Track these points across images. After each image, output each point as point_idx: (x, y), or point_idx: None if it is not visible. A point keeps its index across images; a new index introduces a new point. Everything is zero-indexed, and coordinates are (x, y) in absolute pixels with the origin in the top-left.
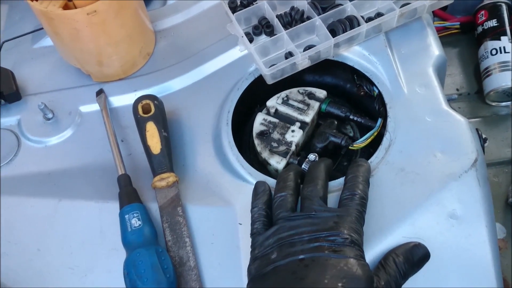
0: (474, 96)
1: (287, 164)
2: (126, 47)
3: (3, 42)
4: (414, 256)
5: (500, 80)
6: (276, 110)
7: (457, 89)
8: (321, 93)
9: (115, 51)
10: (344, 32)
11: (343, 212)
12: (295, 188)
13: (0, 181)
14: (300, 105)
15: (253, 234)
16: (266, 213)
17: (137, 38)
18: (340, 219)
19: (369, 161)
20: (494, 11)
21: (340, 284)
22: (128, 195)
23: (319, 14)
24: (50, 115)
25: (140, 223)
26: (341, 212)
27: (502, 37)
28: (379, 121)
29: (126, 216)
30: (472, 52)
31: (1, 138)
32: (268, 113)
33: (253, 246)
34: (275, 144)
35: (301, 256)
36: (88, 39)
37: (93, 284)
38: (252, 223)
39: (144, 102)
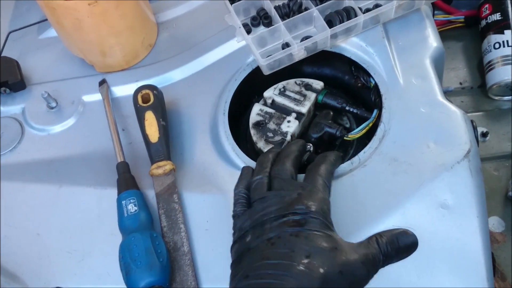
0: (477, 90)
1: None
2: (128, 38)
3: (10, 33)
4: (400, 242)
5: (503, 74)
6: (273, 100)
7: (460, 83)
8: (318, 84)
9: (117, 42)
10: (341, 23)
11: (308, 182)
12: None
13: (0, 167)
14: (297, 96)
15: (233, 217)
16: (247, 195)
17: (138, 29)
18: (304, 189)
19: (362, 151)
20: (498, 5)
21: (305, 259)
22: (126, 181)
23: (316, 5)
24: (53, 104)
25: (136, 208)
26: (305, 183)
27: (505, 31)
28: (375, 112)
29: (123, 202)
30: (476, 46)
31: (5, 126)
32: (265, 104)
33: (234, 229)
34: (270, 134)
35: (270, 235)
36: (90, 30)
37: (90, 268)
38: (234, 206)
39: (143, 92)
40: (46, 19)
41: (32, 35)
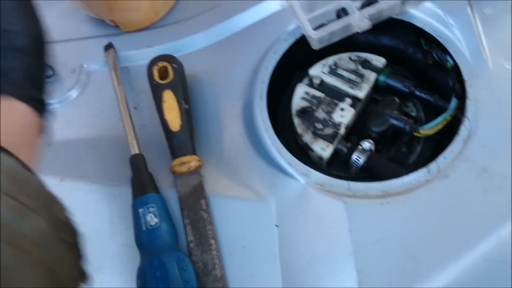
0: None
1: (335, 151)
2: None
3: None
4: None
5: None
6: (322, 81)
7: None
8: (379, 61)
9: None
10: None
11: None
12: None
13: None
14: (352, 76)
15: None
16: None
17: None
18: None
19: (442, 156)
20: None
21: None
22: (143, 182)
23: None
24: (50, 72)
25: (157, 220)
26: None
27: None
28: (454, 102)
29: (140, 210)
30: None
31: None
32: (311, 85)
33: None
34: (319, 126)
35: None
36: None
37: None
38: None
39: (160, 64)
40: None
41: None
